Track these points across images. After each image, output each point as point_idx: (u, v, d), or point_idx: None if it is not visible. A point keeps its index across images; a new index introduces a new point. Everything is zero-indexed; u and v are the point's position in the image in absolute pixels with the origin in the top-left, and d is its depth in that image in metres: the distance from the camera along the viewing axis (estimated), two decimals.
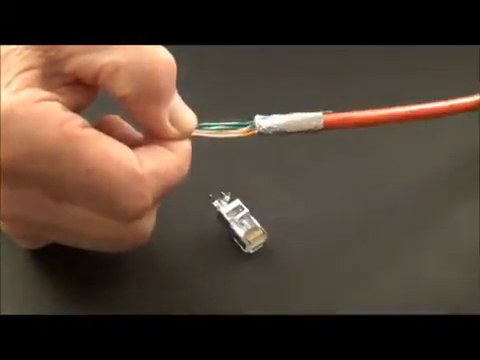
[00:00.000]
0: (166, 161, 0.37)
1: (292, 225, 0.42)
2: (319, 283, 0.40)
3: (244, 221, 0.42)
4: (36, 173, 0.34)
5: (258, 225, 0.42)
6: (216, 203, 0.42)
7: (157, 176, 0.36)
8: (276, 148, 0.44)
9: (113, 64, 0.35)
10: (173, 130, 0.37)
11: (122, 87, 0.35)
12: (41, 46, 0.35)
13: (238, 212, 0.42)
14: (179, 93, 0.37)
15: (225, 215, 0.42)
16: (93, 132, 0.35)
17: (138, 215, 0.36)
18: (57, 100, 0.35)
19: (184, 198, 0.42)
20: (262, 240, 0.41)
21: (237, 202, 0.42)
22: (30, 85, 0.34)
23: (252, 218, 0.42)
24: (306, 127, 0.40)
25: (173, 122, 0.37)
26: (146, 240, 0.38)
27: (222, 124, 0.39)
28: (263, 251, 0.42)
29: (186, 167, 0.38)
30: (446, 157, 0.46)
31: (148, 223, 0.37)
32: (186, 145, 0.38)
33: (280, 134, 0.40)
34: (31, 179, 0.35)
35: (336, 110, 0.40)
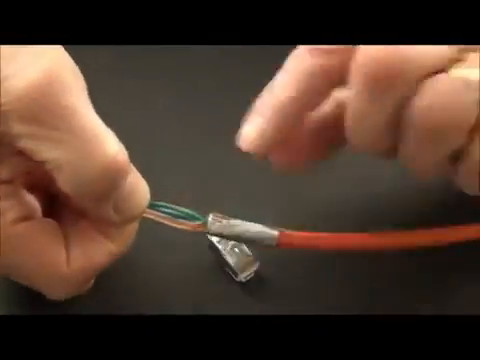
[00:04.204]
0: (99, 254, 0.36)
1: (284, 252, 0.42)
2: (312, 311, 0.40)
3: (235, 249, 0.41)
4: None
5: (250, 253, 0.41)
6: None
7: (85, 272, 0.36)
8: (267, 176, 0.44)
9: (56, 162, 0.33)
10: (115, 218, 0.36)
11: (63, 185, 0.34)
12: None
13: (229, 240, 0.41)
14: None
15: (216, 243, 0.41)
16: (24, 229, 0.35)
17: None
18: None
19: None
20: (254, 268, 0.41)
21: None
22: None
23: (243, 246, 0.41)
24: (258, 243, 0.39)
25: (117, 209, 0.35)
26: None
27: (176, 210, 0.38)
28: (255, 279, 0.41)
29: (122, 251, 0.37)
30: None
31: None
32: (129, 230, 0.37)
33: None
34: None
35: None
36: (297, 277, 0.42)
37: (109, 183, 0.34)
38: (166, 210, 0.38)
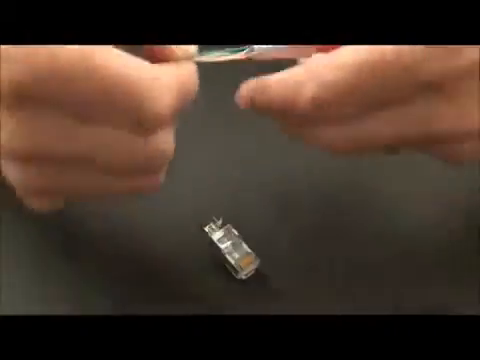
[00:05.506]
0: (178, 71, 0.37)
1: (284, 250, 0.42)
2: (313, 308, 0.40)
3: (236, 247, 0.42)
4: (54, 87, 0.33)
5: (250, 251, 0.41)
6: (207, 229, 0.42)
7: (173, 77, 0.36)
8: (268, 173, 0.44)
9: None
10: (178, 51, 0.37)
11: None
12: None
13: (229, 238, 0.42)
14: None
15: (216, 241, 0.42)
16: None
17: (158, 121, 0.35)
18: None
19: (175, 224, 0.42)
20: (254, 266, 0.41)
21: (228, 228, 0.42)
22: None
23: (243, 244, 0.42)
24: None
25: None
26: (163, 160, 0.37)
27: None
28: (255, 277, 0.41)
29: (196, 81, 0.38)
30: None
31: (165, 139, 0.36)
32: (192, 66, 0.38)
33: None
34: (49, 96, 0.34)
35: None
36: (297, 276, 0.41)
37: None
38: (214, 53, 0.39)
